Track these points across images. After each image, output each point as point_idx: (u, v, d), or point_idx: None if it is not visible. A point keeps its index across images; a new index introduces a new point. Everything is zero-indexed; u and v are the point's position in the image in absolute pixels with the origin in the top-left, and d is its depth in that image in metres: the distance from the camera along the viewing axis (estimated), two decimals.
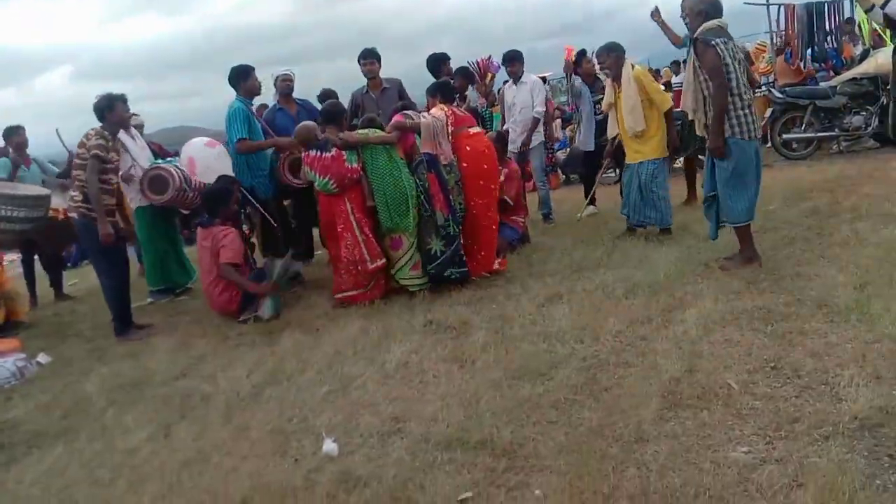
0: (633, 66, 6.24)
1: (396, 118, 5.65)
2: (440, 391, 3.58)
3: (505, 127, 7.87)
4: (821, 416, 2.78)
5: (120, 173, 6.17)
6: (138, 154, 6.58)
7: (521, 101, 7.77)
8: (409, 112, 5.76)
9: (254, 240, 6.84)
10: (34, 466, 3.48)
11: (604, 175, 9.86)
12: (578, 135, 8.37)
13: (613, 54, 6.28)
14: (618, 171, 8.40)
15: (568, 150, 11.76)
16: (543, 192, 8.15)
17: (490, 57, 8.12)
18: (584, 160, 8.34)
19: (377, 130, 5.58)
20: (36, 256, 7.87)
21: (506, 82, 8.13)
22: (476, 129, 5.91)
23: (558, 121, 12.79)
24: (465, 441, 2.98)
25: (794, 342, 3.54)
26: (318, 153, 5.37)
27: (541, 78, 9.85)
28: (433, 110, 5.75)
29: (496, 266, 5.81)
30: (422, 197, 5.41)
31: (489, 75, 8.05)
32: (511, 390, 3.45)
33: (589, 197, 8.13)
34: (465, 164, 5.63)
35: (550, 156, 11.53)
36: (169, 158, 6.88)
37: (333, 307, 5.50)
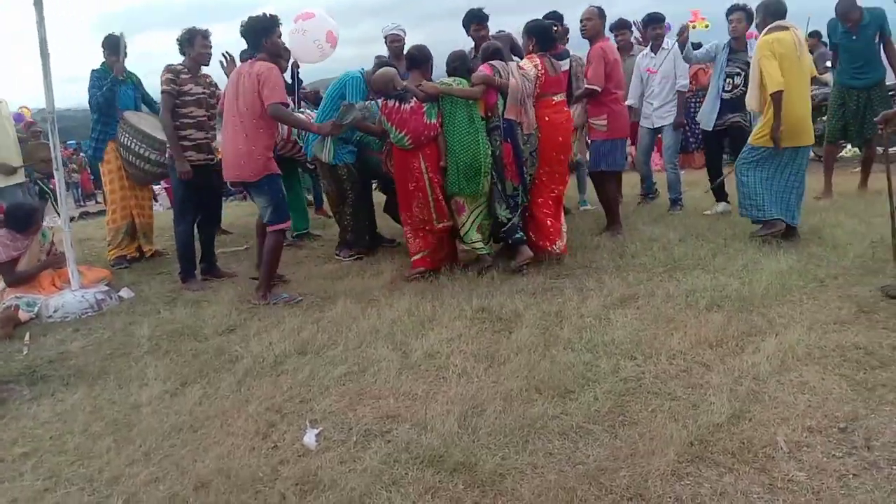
0: (769, 32, 5.17)
1: (484, 69, 5.14)
2: (451, 393, 3.23)
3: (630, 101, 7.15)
4: None
5: None
6: None
7: (663, 71, 7.01)
8: (497, 64, 5.14)
9: None
10: (54, 406, 3.55)
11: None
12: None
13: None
14: None
15: None
16: (672, 175, 7.27)
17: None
18: (704, 143, 7.29)
19: (463, 81, 5.09)
20: None
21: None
22: (560, 98, 5.39)
23: None
24: (444, 461, 2.64)
25: (883, 400, 2.86)
26: (397, 104, 5.06)
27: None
28: (525, 64, 5.26)
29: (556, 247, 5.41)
30: (491, 165, 5.14)
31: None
32: (523, 406, 3.04)
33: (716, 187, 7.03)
34: (539, 135, 5.29)
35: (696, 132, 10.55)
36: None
37: (407, 278, 5.29)
